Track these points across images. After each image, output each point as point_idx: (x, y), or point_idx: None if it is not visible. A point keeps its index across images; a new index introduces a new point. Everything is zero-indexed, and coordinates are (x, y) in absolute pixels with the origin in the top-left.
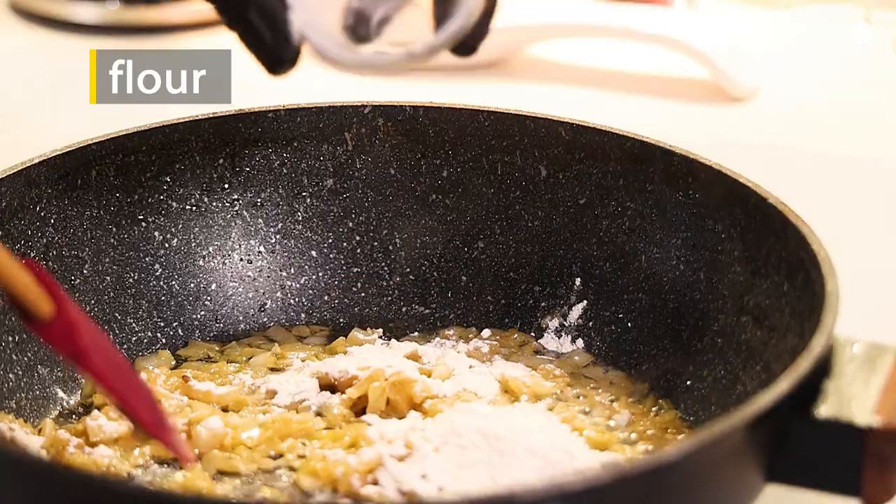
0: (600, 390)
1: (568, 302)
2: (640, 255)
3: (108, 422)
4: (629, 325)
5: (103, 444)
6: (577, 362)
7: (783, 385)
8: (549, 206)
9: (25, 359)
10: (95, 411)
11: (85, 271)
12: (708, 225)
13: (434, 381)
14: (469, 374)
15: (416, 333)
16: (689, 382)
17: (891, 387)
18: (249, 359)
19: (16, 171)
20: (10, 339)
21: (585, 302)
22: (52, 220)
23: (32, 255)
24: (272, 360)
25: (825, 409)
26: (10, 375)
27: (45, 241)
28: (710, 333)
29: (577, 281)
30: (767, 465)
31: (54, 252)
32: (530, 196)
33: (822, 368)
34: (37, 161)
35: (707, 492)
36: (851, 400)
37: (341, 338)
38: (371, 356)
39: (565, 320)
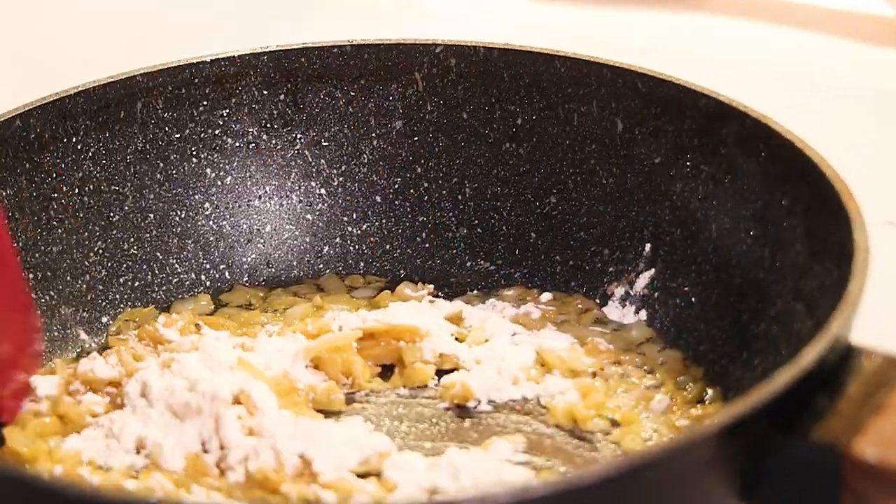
0: (646, 368)
1: (636, 269)
2: (711, 224)
3: (102, 365)
4: (693, 299)
5: (92, 390)
6: (634, 337)
7: (757, 397)
8: (624, 164)
9: (47, 298)
10: (94, 353)
11: (126, 207)
12: (776, 197)
13: (463, 346)
14: (507, 342)
15: (475, 292)
16: (740, 372)
17: (889, 412)
18: (287, 309)
19: (47, 101)
20: (32, 276)
21: (653, 270)
22: (90, 153)
23: (66, 189)
24: (310, 311)
25: (816, 431)
26: None
27: (80, 174)
28: (768, 319)
29: (647, 247)
30: (742, 484)
31: (90, 186)
32: (606, 151)
33: (816, 382)
34: (72, 92)
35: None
36: (854, 424)
37: (386, 291)
38: (407, 314)
39: (631, 288)
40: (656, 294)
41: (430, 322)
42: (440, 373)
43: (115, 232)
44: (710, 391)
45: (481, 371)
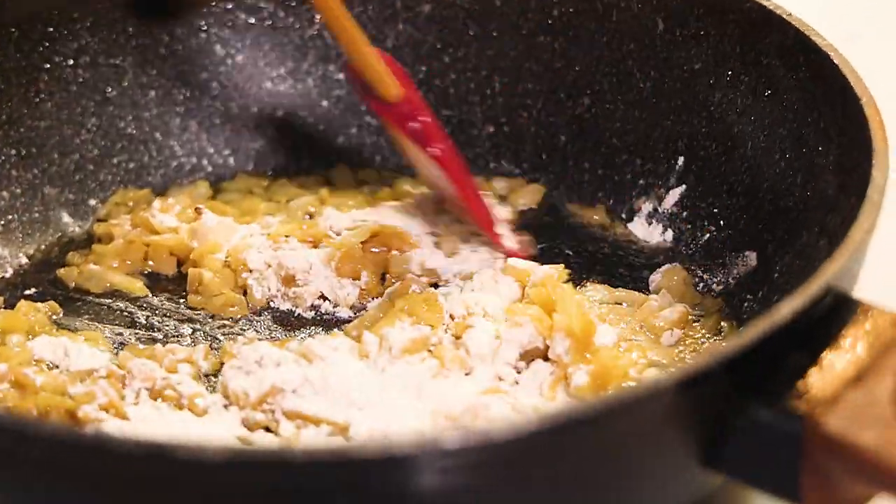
0: (662, 293)
1: (667, 183)
2: (747, 141)
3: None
4: (721, 222)
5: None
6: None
7: (720, 352)
8: (662, 67)
9: (30, 176)
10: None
11: (124, 83)
12: (813, 118)
13: (432, 253)
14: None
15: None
16: (757, 308)
17: (871, 381)
18: (290, 201)
19: None
20: (14, 152)
21: (684, 186)
22: (88, 23)
23: (58, 59)
24: (315, 203)
25: (784, 396)
26: (4, 193)
27: (75, 45)
28: (792, 253)
29: (680, 160)
30: (704, 449)
31: (87, 58)
32: (644, 52)
33: (797, 339)
34: None
35: (630, 462)
36: (827, 392)
37: (386, 188)
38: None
39: (660, 205)
40: (684, 213)
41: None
42: None
43: (111, 108)
44: (724, 325)
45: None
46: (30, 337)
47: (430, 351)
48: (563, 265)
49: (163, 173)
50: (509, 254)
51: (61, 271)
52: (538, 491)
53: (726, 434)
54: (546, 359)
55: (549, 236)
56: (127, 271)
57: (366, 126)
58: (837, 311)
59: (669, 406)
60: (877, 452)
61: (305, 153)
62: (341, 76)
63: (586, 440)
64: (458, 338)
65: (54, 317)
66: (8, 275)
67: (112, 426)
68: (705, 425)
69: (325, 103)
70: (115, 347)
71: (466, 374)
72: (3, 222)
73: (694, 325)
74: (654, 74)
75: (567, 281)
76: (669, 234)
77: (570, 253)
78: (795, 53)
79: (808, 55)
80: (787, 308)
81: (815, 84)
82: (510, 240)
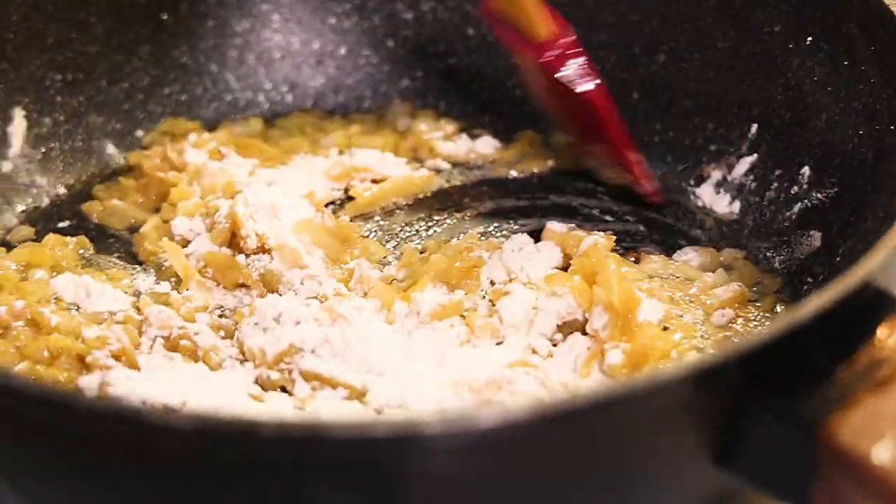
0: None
1: (738, 151)
2: (821, 113)
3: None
4: (790, 197)
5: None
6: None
7: (736, 348)
8: (741, 27)
9: (75, 103)
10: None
11: (180, 9)
12: (888, 94)
13: None
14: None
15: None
16: (816, 292)
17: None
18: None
19: None
20: (59, 77)
21: (755, 156)
22: None
23: None
24: (345, 141)
25: (799, 399)
26: (47, 119)
27: None
28: (855, 236)
29: (754, 128)
30: (716, 448)
31: None
32: (724, 10)
33: (822, 338)
34: None
35: (638, 455)
36: (842, 399)
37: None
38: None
39: (729, 173)
40: (753, 185)
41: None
42: None
43: (165, 36)
44: (780, 307)
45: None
46: (54, 273)
47: (462, 317)
48: (611, 233)
49: (216, 107)
50: (651, 195)
51: (86, 205)
52: (534, 482)
53: (739, 434)
54: (585, 333)
55: (608, 199)
56: (153, 207)
57: (433, 69)
58: (874, 307)
59: (680, 400)
60: (889, 470)
61: (368, 94)
62: (409, 15)
63: (589, 432)
64: (493, 304)
65: (83, 252)
66: (43, 204)
67: (118, 375)
68: (717, 423)
69: (390, 43)
70: (136, 292)
71: (497, 344)
72: (43, 150)
73: (748, 305)
74: (733, 34)
75: (614, 250)
76: (737, 206)
77: (630, 218)
78: (876, 24)
79: (889, 28)
80: (815, 305)
81: (893, 57)
82: (650, 182)
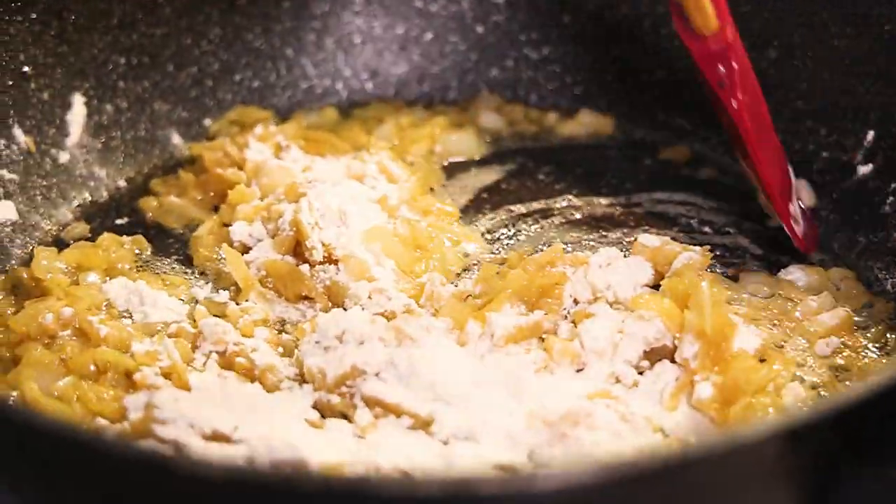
0: (824, 293)
1: (852, 160)
2: None
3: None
4: None
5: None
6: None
7: (825, 406)
8: (861, 24)
9: (139, 89)
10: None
11: None
12: None
13: None
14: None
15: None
16: None
17: None
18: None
19: None
20: (123, 61)
21: (871, 166)
22: None
23: None
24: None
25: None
26: (108, 107)
27: None
28: None
29: (870, 135)
30: None
31: None
32: (841, 4)
33: None
34: None
35: None
36: None
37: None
38: None
39: (842, 184)
40: (867, 198)
41: None
42: None
43: (238, 18)
44: (891, 337)
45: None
46: (107, 277)
47: (540, 339)
48: (709, 247)
49: (290, 95)
50: (792, 237)
51: (142, 200)
52: None
53: (829, 493)
54: (674, 361)
55: (708, 206)
56: (211, 205)
57: (524, 59)
58: None
59: (767, 459)
60: None
61: (453, 84)
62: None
63: (668, 491)
64: (575, 326)
65: (139, 253)
66: (101, 199)
67: (166, 396)
68: (808, 482)
69: (479, 29)
70: (193, 299)
71: (578, 371)
72: (104, 139)
73: (857, 333)
74: (850, 31)
75: (711, 267)
76: (848, 221)
77: (731, 231)
78: None
79: None
80: None
81: None
82: (798, 224)
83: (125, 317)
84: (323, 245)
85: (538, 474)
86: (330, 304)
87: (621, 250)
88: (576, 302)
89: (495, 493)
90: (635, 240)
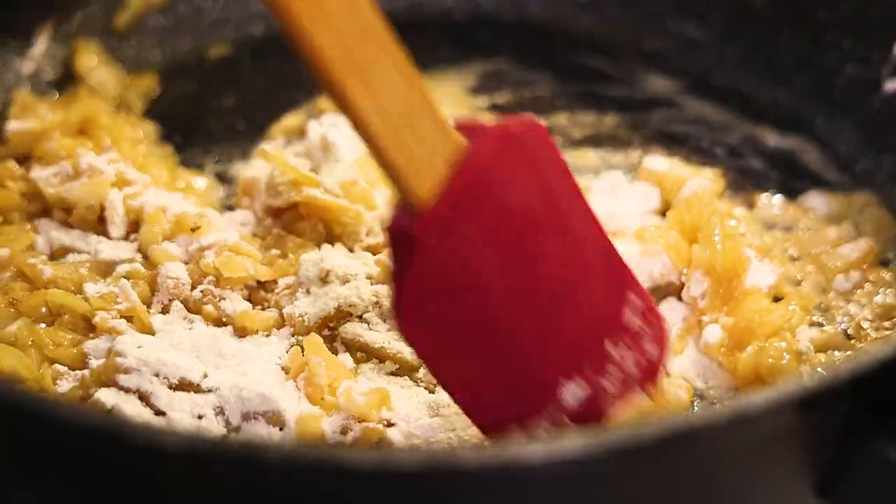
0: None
1: (878, 75)
2: None
3: None
4: None
5: None
6: None
7: (845, 371)
8: None
9: None
10: None
11: None
12: None
13: None
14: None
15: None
16: None
17: None
18: None
19: None
20: None
21: None
22: None
23: None
24: None
25: None
26: None
27: None
28: None
29: None
30: (821, 478)
31: None
32: None
33: None
34: None
35: (735, 485)
36: None
37: None
38: None
39: (868, 100)
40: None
41: None
42: None
43: None
44: None
45: None
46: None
47: None
48: (722, 171)
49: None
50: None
51: None
52: None
53: (845, 466)
54: (680, 299)
55: (720, 123)
56: None
57: None
58: None
59: (781, 427)
60: None
61: None
62: None
63: (683, 459)
64: None
65: None
66: None
67: (129, 342)
68: (822, 453)
69: None
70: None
71: None
72: None
73: (878, 268)
74: None
75: (723, 194)
76: (873, 141)
77: (746, 152)
78: None
79: None
80: None
81: None
82: None
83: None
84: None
85: (524, 447)
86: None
87: (626, 174)
88: None
89: (476, 468)
90: (640, 163)
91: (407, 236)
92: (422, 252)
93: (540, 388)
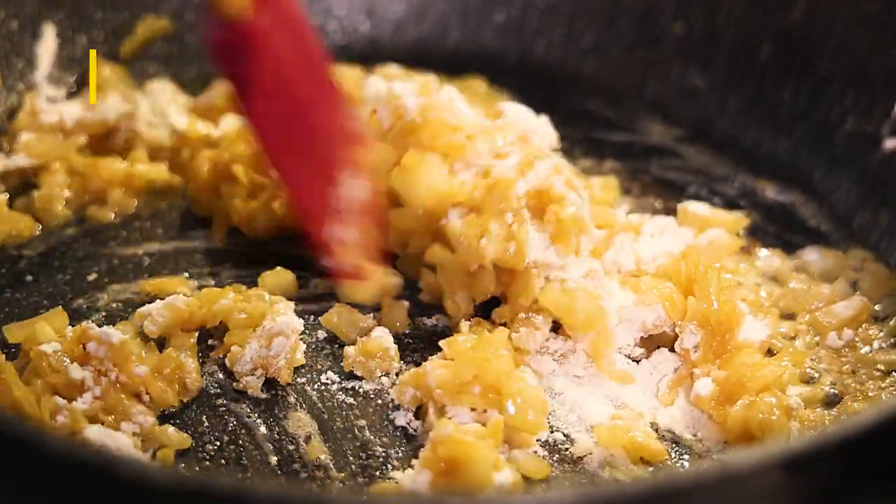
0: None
1: (879, 132)
2: None
3: None
4: None
5: None
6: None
7: (835, 432)
8: None
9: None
10: None
11: None
12: None
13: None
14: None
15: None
16: None
17: None
18: None
19: None
20: None
21: None
22: None
23: None
24: None
25: None
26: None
27: None
28: None
29: None
30: None
31: None
32: None
33: None
34: None
35: None
36: None
37: None
38: None
39: (867, 156)
40: (890, 175)
41: None
42: None
43: None
44: None
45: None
46: None
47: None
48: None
49: None
50: (329, 269)
51: None
52: None
53: None
54: (673, 350)
55: (719, 173)
56: None
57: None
58: None
59: (768, 487)
60: None
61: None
62: None
63: None
64: None
65: None
66: None
67: None
68: None
69: None
70: None
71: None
72: None
73: (871, 325)
74: None
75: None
76: (871, 197)
77: (742, 203)
78: None
79: None
80: None
81: None
82: (339, 254)
83: None
84: None
85: (515, 498)
86: None
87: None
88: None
89: None
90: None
91: (241, 39)
92: (258, 52)
93: (331, 177)
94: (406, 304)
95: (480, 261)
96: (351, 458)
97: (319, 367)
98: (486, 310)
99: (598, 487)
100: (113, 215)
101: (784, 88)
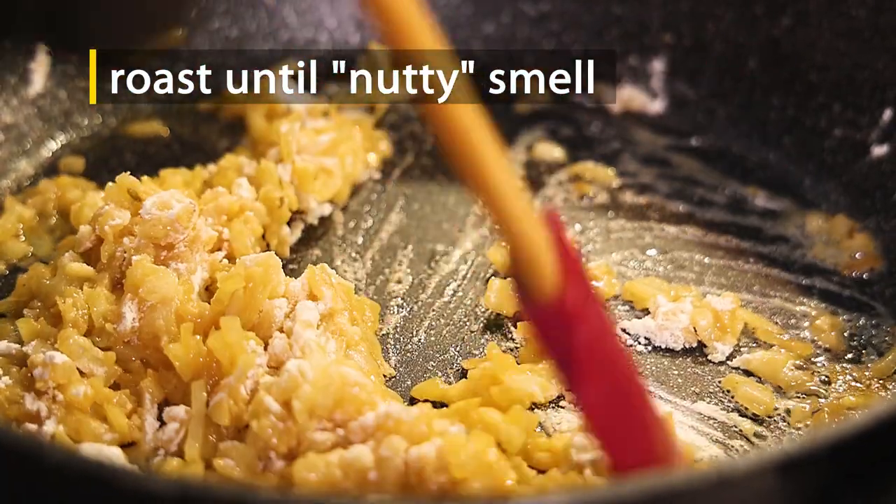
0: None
1: (867, 140)
2: None
3: None
4: None
5: None
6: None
7: (825, 438)
8: None
9: None
10: None
11: None
12: None
13: None
14: None
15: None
16: None
17: None
18: None
19: None
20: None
21: (886, 147)
22: None
23: None
24: None
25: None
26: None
27: None
28: None
29: (887, 114)
30: None
31: None
32: None
33: None
34: None
35: None
36: None
37: None
38: None
39: (854, 164)
40: (881, 182)
41: None
42: None
43: None
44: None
45: None
46: None
47: None
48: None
49: (270, 46)
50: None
51: None
52: None
53: None
54: None
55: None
56: None
57: (520, 14)
58: None
59: (761, 491)
60: None
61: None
62: None
63: None
64: None
65: None
66: None
67: None
68: None
69: None
70: None
71: None
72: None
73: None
74: (871, 2)
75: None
76: (859, 204)
77: (732, 212)
78: None
79: None
80: None
81: None
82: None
83: None
84: None
85: (512, 502)
86: None
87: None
88: None
89: None
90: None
91: (564, 315)
92: (579, 326)
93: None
94: None
95: None
96: None
97: None
98: None
99: (595, 490)
100: None
101: (772, 98)
